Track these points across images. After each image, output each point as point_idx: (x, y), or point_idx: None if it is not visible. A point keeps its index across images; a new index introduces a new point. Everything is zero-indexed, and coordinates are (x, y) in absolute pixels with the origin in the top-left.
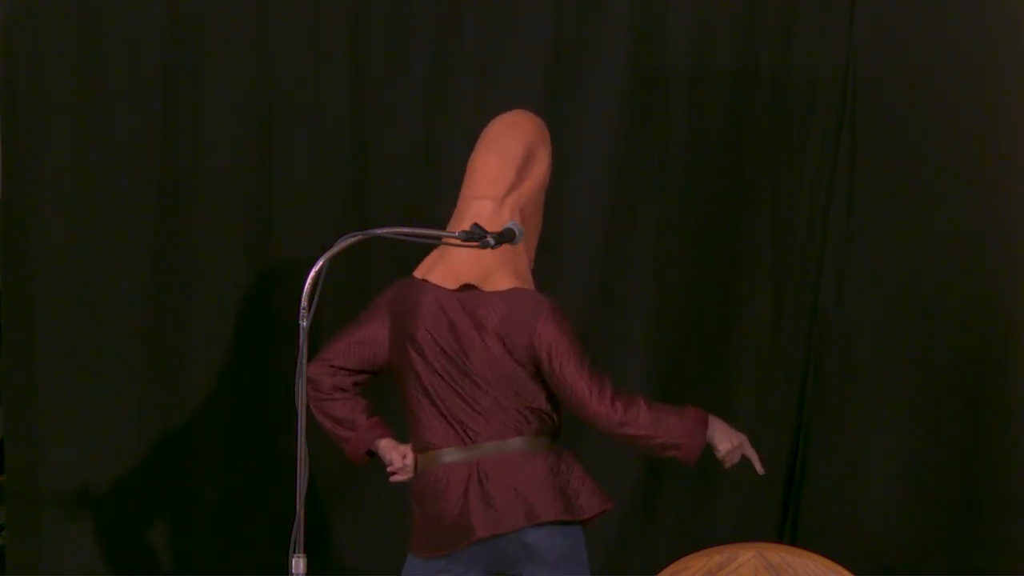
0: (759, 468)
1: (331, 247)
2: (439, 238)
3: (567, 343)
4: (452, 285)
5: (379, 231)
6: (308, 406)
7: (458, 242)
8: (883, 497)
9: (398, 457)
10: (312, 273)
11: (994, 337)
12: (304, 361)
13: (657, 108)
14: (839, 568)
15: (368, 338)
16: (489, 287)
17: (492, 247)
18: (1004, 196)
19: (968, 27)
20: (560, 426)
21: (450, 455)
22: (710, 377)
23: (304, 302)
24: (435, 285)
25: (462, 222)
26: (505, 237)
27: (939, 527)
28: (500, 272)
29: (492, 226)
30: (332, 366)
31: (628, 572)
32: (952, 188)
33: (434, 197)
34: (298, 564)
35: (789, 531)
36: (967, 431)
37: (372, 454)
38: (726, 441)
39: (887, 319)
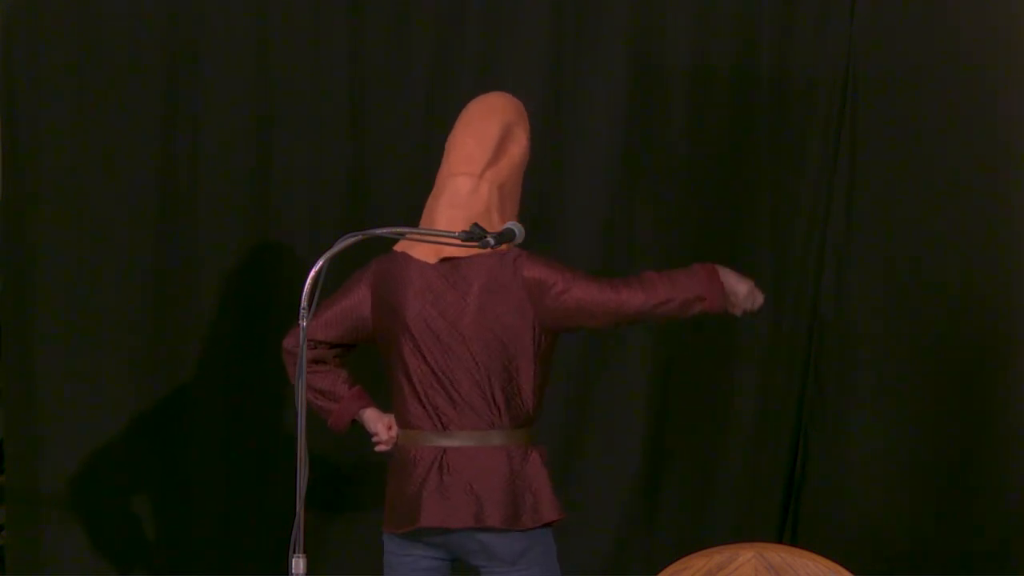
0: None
1: (331, 247)
2: (440, 238)
3: (558, 269)
4: (433, 259)
5: (379, 231)
6: (298, 397)
7: (458, 243)
8: (883, 497)
9: (383, 428)
10: (312, 273)
11: (994, 337)
12: (303, 362)
13: (657, 108)
14: (839, 568)
15: (350, 310)
16: (467, 253)
17: (492, 247)
18: (1004, 195)
19: (968, 27)
20: (537, 414)
21: (425, 438)
22: (710, 377)
23: (304, 302)
24: (417, 260)
25: (441, 199)
26: (505, 237)
27: (939, 527)
28: None
29: (471, 202)
30: (312, 339)
31: (628, 572)
32: (952, 187)
33: None
34: (298, 564)
35: (789, 531)
36: (968, 431)
37: (354, 422)
38: (741, 284)
39: (887, 318)
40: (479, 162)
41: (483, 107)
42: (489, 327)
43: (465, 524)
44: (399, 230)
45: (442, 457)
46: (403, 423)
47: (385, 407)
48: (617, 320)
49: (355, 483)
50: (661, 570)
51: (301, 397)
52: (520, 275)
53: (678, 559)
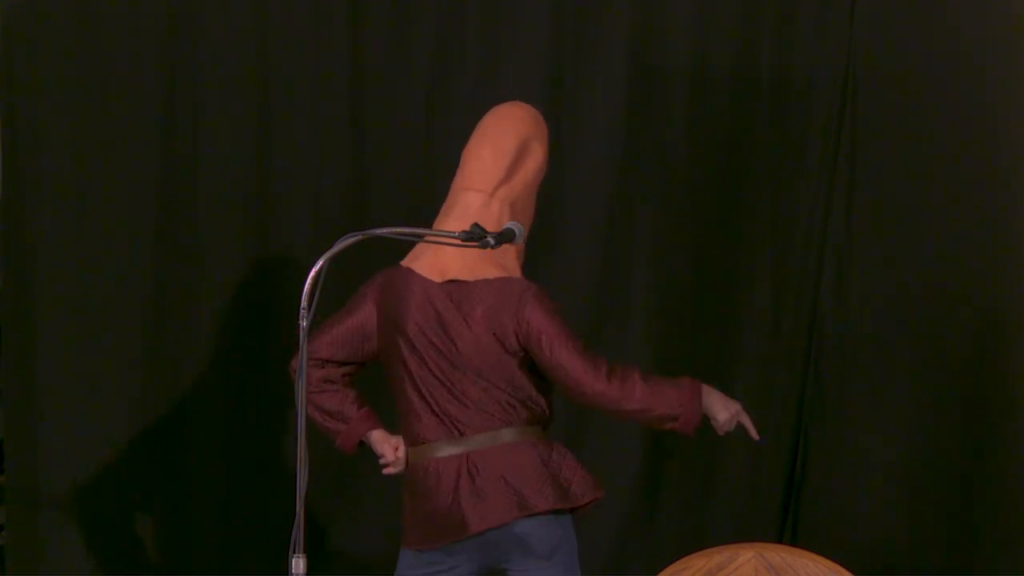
0: (754, 435)
1: (331, 247)
2: (440, 238)
3: (556, 326)
4: (438, 279)
5: (379, 231)
6: (299, 397)
7: (458, 243)
8: (883, 497)
9: (390, 450)
10: (312, 273)
11: (994, 336)
12: (304, 361)
13: (657, 108)
14: (839, 568)
15: (357, 328)
16: (474, 277)
17: (492, 247)
18: (1004, 195)
19: (968, 27)
20: (550, 416)
21: (441, 449)
22: (710, 377)
23: (304, 302)
24: (421, 276)
25: (451, 214)
26: (505, 237)
27: (939, 527)
28: (485, 263)
29: (481, 219)
30: (320, 358)
31: (628, 572)
32: (952, 187)
33: (434, 197)
34: (298, 564)
35: (789, 531)
36: (967, 431)
37: (362, 443)
38: (723, 411)
39: (887, 318)
40: (492, 178)
41: (501, 119)
42: (490, 350)
43: (510, 516)
44: (399, 230)
45: (467, 462)
46: (415, 439)
47: (392, 427)
48: (583, 403)
49: (356, 483)
50: (661, 570)
51: (301, 397)
52: (521, 312)
53: (678, 559)
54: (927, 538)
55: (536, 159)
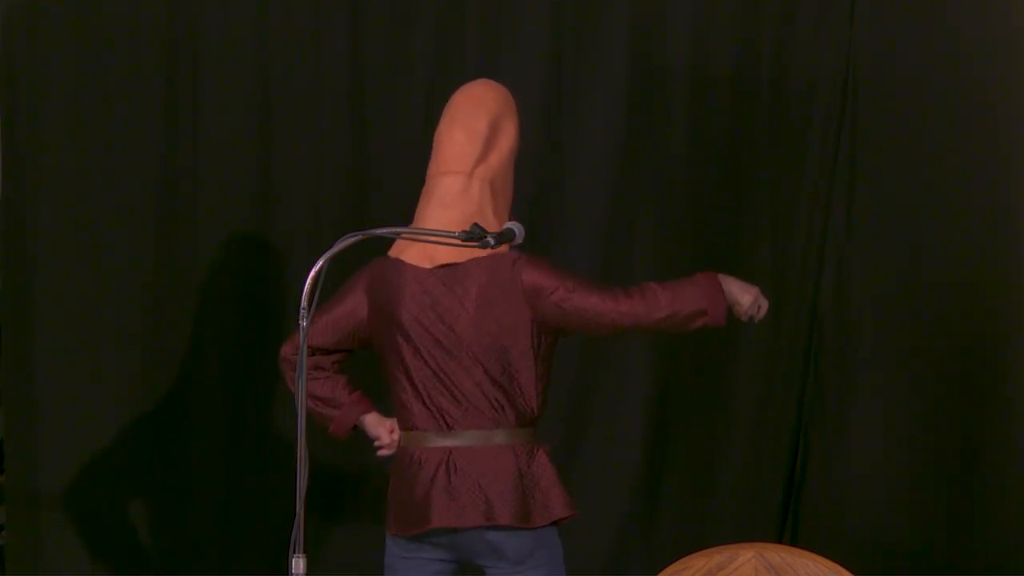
0: (760, 316)
1: (331, 247)
2: (440, 238)
3: (558, 276)
4: (428, 265)
5: (379, 231)
6: (294, 393)
7: (458, 243)
8: (883, 496)
9: (385, 433)
10: (312, 273)
11: (994, 336)
12: (304, 361)
13: (657, 108)
14: (839, 568)
15: (346, 316)
16: (464, 258)
17: (492, 247)
18: (1004, 195)
19: (968, 27)
20: (541, 414)
21: (429, 439)
22: (710, 376)
23: (304, 302)
24: (412, 265)
25: (432, 200)
26: (505, 237)
27: (939, 526)
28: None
29: (462, 201)
30: (309, 345)
31: (628, 572)
32: (952, 187)
33: None
34: (298, 564)
35: (789, 531)
36: (967, 430)
37: (355, 428)
38: (744, 294)
39: (887, 318)
40: (468, 159)
41: (470, 99)
42: (488, 331)
43: (476, 523)
44: (399, 230)
45: (449, 457)
46: (406, 425)
47: (386, 411)
48: (615, 331)
49: (355, 482)
50: (661, 570)
51: (301, 397)
52: (519, 279)
53: (678, 559)
54: (927, 538)
55: (509, 136)
